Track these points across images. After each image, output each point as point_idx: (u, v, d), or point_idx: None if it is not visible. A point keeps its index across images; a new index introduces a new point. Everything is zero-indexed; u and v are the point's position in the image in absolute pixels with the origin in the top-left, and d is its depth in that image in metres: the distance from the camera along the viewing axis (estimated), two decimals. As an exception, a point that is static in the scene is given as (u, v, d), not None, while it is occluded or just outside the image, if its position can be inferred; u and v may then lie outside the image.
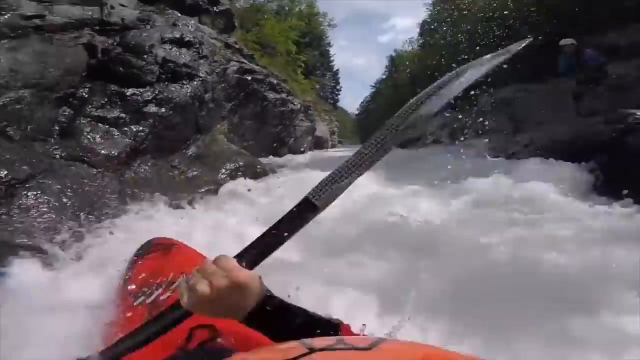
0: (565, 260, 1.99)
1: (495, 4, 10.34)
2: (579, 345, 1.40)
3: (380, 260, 2.32)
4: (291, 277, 1.74)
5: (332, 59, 31.42)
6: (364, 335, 0.59)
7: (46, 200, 2.54)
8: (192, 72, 4.75)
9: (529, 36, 1.10)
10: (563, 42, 5.68)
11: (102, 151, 3.34)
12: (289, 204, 0.64)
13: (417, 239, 2.46)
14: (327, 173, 0.66)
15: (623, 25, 6.73)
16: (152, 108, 3.99)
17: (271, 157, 8.94)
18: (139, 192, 3.29)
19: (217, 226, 3.02)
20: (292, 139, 12.06)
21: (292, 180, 4.72)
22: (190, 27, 5.49)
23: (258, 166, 5.36)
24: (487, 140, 7.08)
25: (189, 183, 4.01)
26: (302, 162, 8.83)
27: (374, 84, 42.90)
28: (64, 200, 2.64)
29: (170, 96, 4.22)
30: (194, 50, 5.06)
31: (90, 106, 3.59)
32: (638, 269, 1.62)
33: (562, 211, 2.88)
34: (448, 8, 14.53)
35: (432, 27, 18.40)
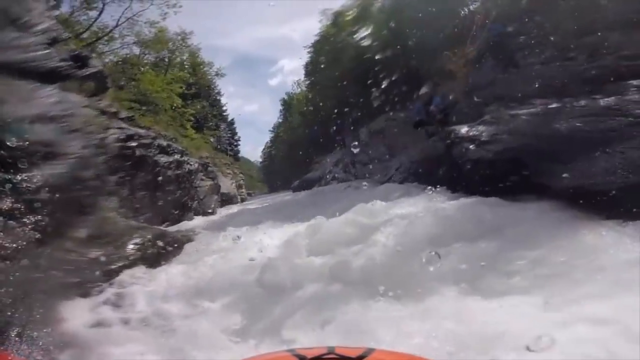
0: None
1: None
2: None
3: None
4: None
5: (224, 108, 32.06)
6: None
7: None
8: (57, 151, 4.49)
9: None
10: (421, 91, 7.54)
11: (7, 244, 3.25)
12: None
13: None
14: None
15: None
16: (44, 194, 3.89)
17: (178, 224, 8.87)
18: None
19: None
20: (196, 201, 11.96)
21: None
22: (52, 99, 5.05)
23: (169, 237, 5.40)
24: (371, 167, 8.65)
25: (94, 262, 3.97)
26: (212, 223, 9.01)
27: (272, 129, 44.73)
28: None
29: (51, 180, 4.11)
30: (62, 124, 4.79)
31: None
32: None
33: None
34: (326, 50, 16.64)
35: (315, 68, 20.59)
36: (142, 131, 8.91)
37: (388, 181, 7.50)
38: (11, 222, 3.46)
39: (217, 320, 3.08)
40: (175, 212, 9.58)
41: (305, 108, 22.84)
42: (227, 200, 18.25)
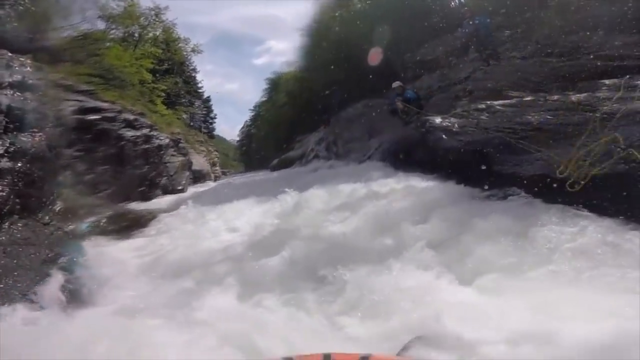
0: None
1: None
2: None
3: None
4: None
5: (200, 85, 31.24)
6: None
7: None
8: (12, 120, 4.41)
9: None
10: (394, 84, 7.61)
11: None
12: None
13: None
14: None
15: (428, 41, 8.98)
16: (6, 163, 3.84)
17: (142, 202, 8.63)
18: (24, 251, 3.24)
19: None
20: (165, 177, 11.67)
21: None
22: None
23: (131, 215, 5.25)
24: (353, 145, 9.01)
25: (48, 239, 3.86)
26: (182, 200, 8.86)
27: (253, 108, 43.79)
28: None
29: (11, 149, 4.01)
30: (15, 94, 4.70)
31: None
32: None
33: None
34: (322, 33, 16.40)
35: (311, 49, 20.08)
36: (104, 105, 8.58)
37: (367, 160, 7.81)
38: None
39: (175, 303, 2.95)
40: (142, 189, 9.31)
41: (293, 87, 22.50)
42: (199, 177, 17.91)
